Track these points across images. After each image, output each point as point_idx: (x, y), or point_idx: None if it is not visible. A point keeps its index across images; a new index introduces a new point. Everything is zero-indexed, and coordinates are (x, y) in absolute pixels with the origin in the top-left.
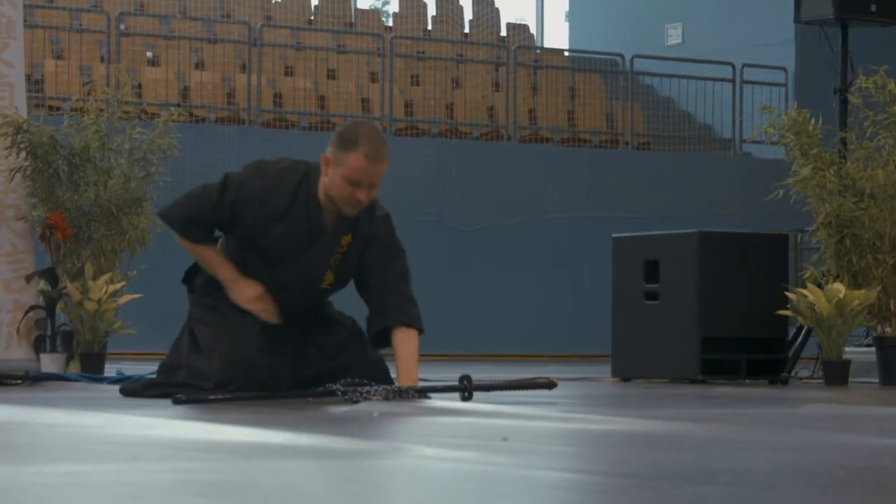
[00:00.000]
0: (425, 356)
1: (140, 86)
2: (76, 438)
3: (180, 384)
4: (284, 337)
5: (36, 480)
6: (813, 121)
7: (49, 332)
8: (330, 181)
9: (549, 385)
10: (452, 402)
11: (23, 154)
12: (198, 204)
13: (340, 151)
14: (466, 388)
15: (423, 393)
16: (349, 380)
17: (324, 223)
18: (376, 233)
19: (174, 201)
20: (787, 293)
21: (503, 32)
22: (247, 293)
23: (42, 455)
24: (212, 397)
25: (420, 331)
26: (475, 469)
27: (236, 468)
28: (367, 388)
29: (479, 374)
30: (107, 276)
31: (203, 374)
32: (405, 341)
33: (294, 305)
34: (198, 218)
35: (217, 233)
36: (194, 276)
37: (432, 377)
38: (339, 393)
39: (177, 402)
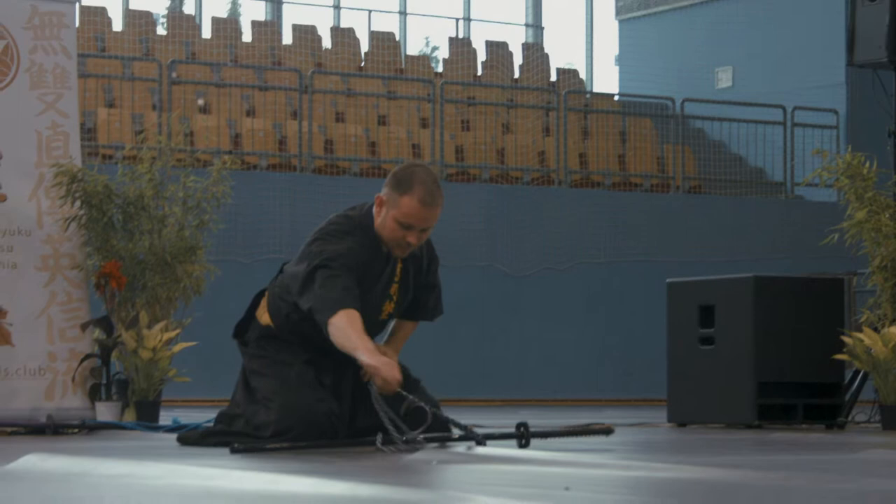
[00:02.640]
0: (478, 401)
1: (192, 133)
2: (137, 489)
3: (238, 433)
4: (341, 386)
5: None
6: (867, 164)
7: (104, 381)
8: (382, 222)
9: (607, 431)
10: (510, 449)
11: (77, 203)
12: (337, 282)
13: (395, 193)
14: (523, 435)
15: (478, 440)
16: (387, 436)
17: (385, 255)
18: (431, 254)
19: (316, 301)
20: (843, 337)
21: (553, 77)
22: (395, 374)
23: None
24: (269, 446)
25: (441, 312)
26: None
27: None
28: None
29: (533, 419)
30: (161, 325)
31: (261, 424)
32: (409, 325)
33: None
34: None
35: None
36: (246, 331)
37: (486, 423)
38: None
39: (234, 451)
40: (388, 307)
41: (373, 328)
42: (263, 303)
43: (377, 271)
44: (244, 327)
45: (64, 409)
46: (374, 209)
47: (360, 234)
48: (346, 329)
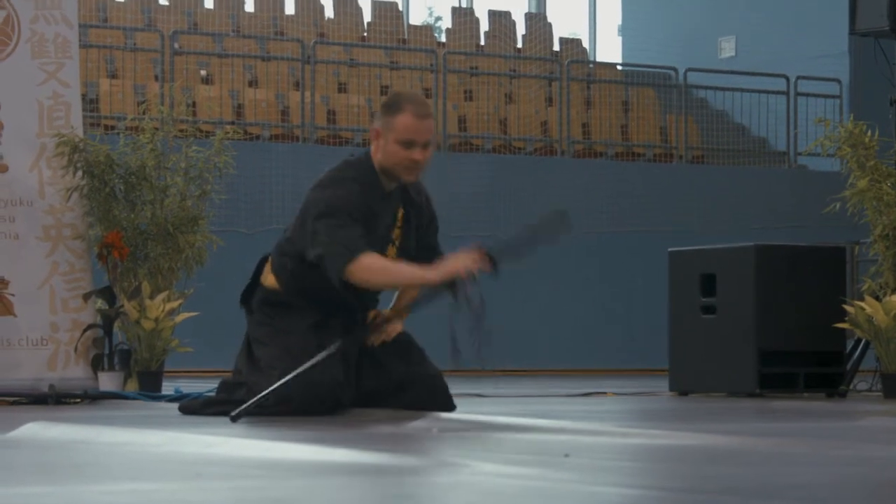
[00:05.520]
0: (480, 371)
1: (194, 104)
2: (138, 457)
3: (240, 402)
4: (347, 350)
5: (101, 500)
6: (869, 133)
7: (107, 351)
8: (384, 152)
9: (561, 217)
10: (512, 417)
11: (79, 173)
12: (343, 231)
13: (388, 117)
14: (493, 261)
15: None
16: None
17: (385, 192)
18: (432, 212)
19: (326, 254)
20: (844, 306)
21: (556, 47)
22: (461, 260)
23: (105, 474)
24: (266, 412)
25: None
26: (537, 485)
27: (296, 486)
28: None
29: (535, 389)
30: (164, 295)
31: (264, 390)
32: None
33: (356, 297)
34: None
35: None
36: (251, 297)
37: (488, 392)
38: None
39: (233, 419)
40: (391, 251)
41: None
42: (267, 267)
43: (378, 211)
44: (249, 293)
45: (66, 380)
46: (372, 145)
47: (360, 175)
48: (384, 265)
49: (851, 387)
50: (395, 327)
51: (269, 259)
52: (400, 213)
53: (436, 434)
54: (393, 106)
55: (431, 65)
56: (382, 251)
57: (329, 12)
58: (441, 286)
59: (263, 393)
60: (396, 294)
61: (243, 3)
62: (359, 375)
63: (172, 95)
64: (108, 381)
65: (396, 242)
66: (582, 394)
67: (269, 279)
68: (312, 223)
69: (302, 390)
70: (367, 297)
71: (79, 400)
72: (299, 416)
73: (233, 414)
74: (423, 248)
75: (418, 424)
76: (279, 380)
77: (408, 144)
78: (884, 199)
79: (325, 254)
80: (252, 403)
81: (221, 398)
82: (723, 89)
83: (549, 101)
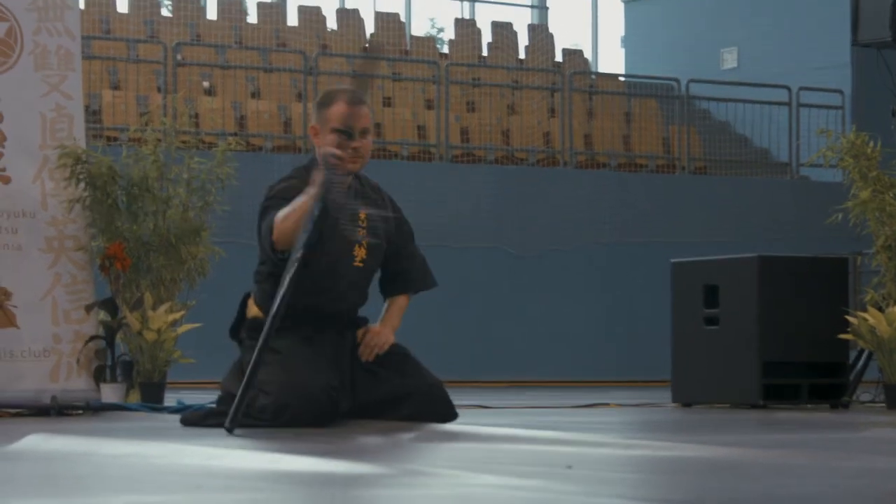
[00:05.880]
0: (483, 383)
1: (197, 115)
2: (139, 469)
3: (241, 415)
4: (339, 360)
5: None
6: (871, 144)
7: (109, 363)
8: (324, 144)
9: (369, 68)
10: (515, 428)
11: (82, 185)
12: (273, 213)
13: (323, 110)
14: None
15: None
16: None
17: None
18: (399, 215)
19: (262, 235)
20: (847, 317)
21: (558, 58)
22: (325, 150)
23: (106, 486)
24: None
25: (435, 284)
26: (540, 497)
27: (297, 497)
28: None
29: (538, 400)
30: (166, 306)
31: (262, 407)
32: (403, 299)
33: (338, 302)
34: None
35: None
36: (239, 331)
37: (491, 403)
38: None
39: (229, 430)
40: (360, 252)
41: (350, 274)
42: (251, 301)
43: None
44: (237, 327)
45: (69, 391)
46: (315, 142)
47: (304, 173)
48: (284, 211)
49: (854, 398)
50: (387, 340)
51: (251, 294)
52: (362, 215)
53: (438, 445)
54: (326, 98)
55: (434, 76)
56: (350, 251)
57: (332, 24)
58: (325, 184)
59: (241, 396)
60: (385, 308)
61: (246, 14)
62: (354, 387)
63: (175, 107)
64: (110, 393)
65: (364, 243)
66: (585, 405)
67: (253, 310)
68: (258, 222)
69: (298, 397)
70: (352, 308)
71: (81, 411)
72: (300, 428)
73: (226, 425)
74: (403, 258)
75: (421, 435)
76: (274, 392)
77: (346, 133)
78: (886, 210)
79: (260, 246)
80: (238, 409)
81: (223, 410)
82: (725, 100)
83: (552, 112)
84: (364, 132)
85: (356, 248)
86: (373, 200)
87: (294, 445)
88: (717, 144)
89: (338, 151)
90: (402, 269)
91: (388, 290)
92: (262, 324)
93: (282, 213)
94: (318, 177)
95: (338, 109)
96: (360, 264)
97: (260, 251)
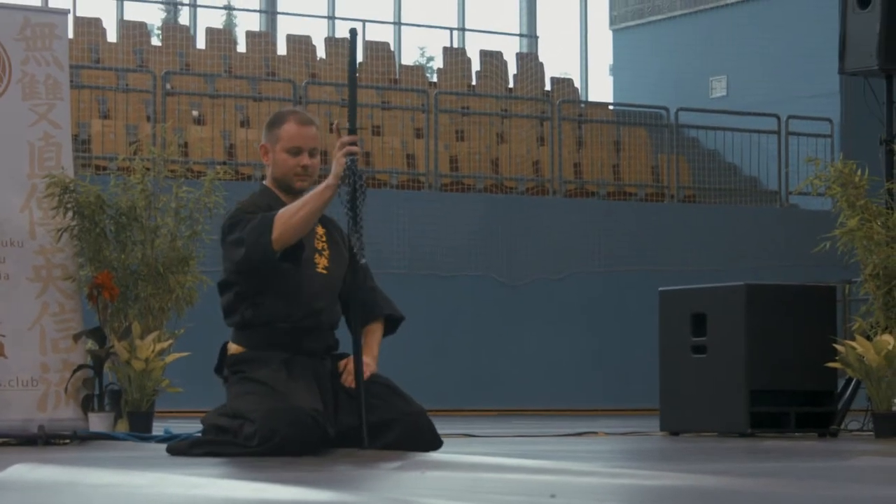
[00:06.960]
0: (472, 411)
1: (186, 144)
2: (123, 499)
3: (227, 443)
4: (320, 385)
5: None
6: (859, 172)
7: (97, 392)
8: (274, 163)
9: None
10: (500, 457)
11: (70, 214)
12: (248, 224)
13: (273, 130)
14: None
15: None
16: None
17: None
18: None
19: (248, 248)
20: (835, 345)
21: (547, 87)
22: (337, 154)
23: None
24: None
25: (403, 318)
26: None
27: None
28: None
29: (526, 429)
30: (154, 335)
31: (248, 435)
32: (377, 328)
33: (309, 313)
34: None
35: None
36: (223, 367)
37: (479, 433)
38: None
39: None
40: (322, 260)
41: (315, 280)
42: (230, 344)
43: None
44: (220, 367)
45: (56, 420)
46: (265, 162)
47: (259, 196)
48: (289, 207)
49: (843, 426)
50: (370, 367)
51: (229, 339)
52: (320, 231)
53: (424, 475)
54: (276, 120)
55: (423, 105)
56: (311, 260)
57: (321, 53)
58: (341, 181)
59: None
60: (363, 340)
61: (235, 44)
62: (337, 412)
63: (164, 136)
64: (98, 422)
65: (325, 253)
66: (573, 433)
67: (233, 348)
68: (225, 245)
69: (286, 423)
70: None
71: (68, 441)
72: (288, 456)
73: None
74: (364, 290)
75: (408, 464)
76: (260, 419)
77: (295, 151)
78: (874, 239)
79: (246, 249)
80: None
81: (209, 439)
82: (714, 129)
83: (541, 140)
84: (313, 152)
85: (316, 256)
86: (334, 224)
87: (279, 475)
88: (706, 173)
89: (354, 137)
90: (366, 300)
91: (361, 321)
92: (244, 356)
93: (286, 211)
94: (339, 163)
95: (288, 129)
96: (324, 271)
97: (230, 263)
